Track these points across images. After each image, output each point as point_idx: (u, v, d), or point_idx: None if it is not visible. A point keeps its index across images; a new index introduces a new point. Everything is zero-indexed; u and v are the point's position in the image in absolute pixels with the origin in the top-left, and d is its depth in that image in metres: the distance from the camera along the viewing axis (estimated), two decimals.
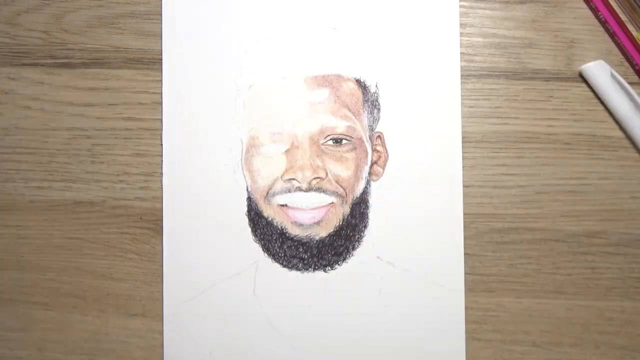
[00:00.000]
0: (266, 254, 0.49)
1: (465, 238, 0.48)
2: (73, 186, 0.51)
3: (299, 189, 0.48)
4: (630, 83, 0.47)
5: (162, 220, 0.49)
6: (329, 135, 0.48)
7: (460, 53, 0.48)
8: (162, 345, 0.49)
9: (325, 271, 0.48)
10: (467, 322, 0.48)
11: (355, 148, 0.48)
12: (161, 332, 0.49)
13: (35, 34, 0.50)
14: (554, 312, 0.45)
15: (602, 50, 0.48)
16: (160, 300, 0.49)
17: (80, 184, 0.50)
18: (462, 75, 0.48)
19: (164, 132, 0.49)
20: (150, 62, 0.50)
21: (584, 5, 0.48)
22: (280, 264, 0.49)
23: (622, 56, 0.48)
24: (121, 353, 0.50)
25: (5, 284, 0.51)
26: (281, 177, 0.48)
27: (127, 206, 0.50)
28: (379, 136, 0.48)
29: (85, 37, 0.50)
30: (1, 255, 0.51)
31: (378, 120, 0.48)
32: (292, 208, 0.48)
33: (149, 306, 0.50)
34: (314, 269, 0.48)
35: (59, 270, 0.51)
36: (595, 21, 0.48)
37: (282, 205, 0.48)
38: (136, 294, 0.50)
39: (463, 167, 0.48)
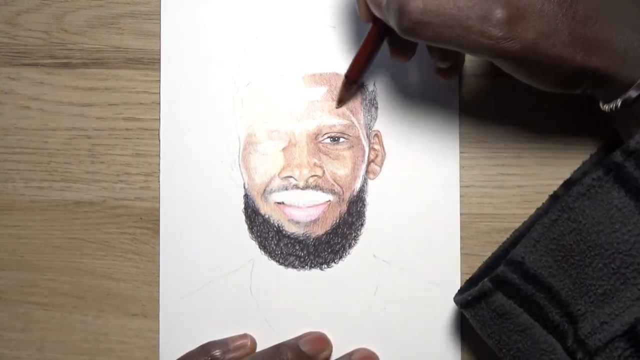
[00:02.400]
0: (262, 252, 0.49)
1: (464, 238, 0.48)
2: (73, 186, 0.51)
3: (296, 186, 0.48)
4: None
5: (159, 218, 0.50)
6: (326, 134, 0.48)
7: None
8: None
9: (321, 269, 0.48)
10: (465, 321, 0.47)
11: (352, 146, 0.48)
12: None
13: (35, 34, 0.51)
14: None
15: None
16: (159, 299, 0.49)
17: (80, 184, 0.51)
18: (460, 74, 0.48)
19: (161, 129, 0.50)
20: (150, 62, 0.50)
21: None
22: (276, 261, 0.48)
23: None
24: (121, 353, 0.50)
25: (5, 284, 0.51)
26: (278, 174, 0.48)
27: (127, 206, 0.50)
28: (376, 134, 0.48)
29: (85, 37, 0.50)
30: (1, 255, 0.51)
31: (375, 119, 0.48)
32: (289, 206, 0.48)
33: (148, 306, 0.50)
34: (310, 267, 0.48)
35: (59, 270, 0.51)
36: None
37: (279, 203, 0.48)
38: (136, 294, 0.50)
39: (462, 167, 0.48)
